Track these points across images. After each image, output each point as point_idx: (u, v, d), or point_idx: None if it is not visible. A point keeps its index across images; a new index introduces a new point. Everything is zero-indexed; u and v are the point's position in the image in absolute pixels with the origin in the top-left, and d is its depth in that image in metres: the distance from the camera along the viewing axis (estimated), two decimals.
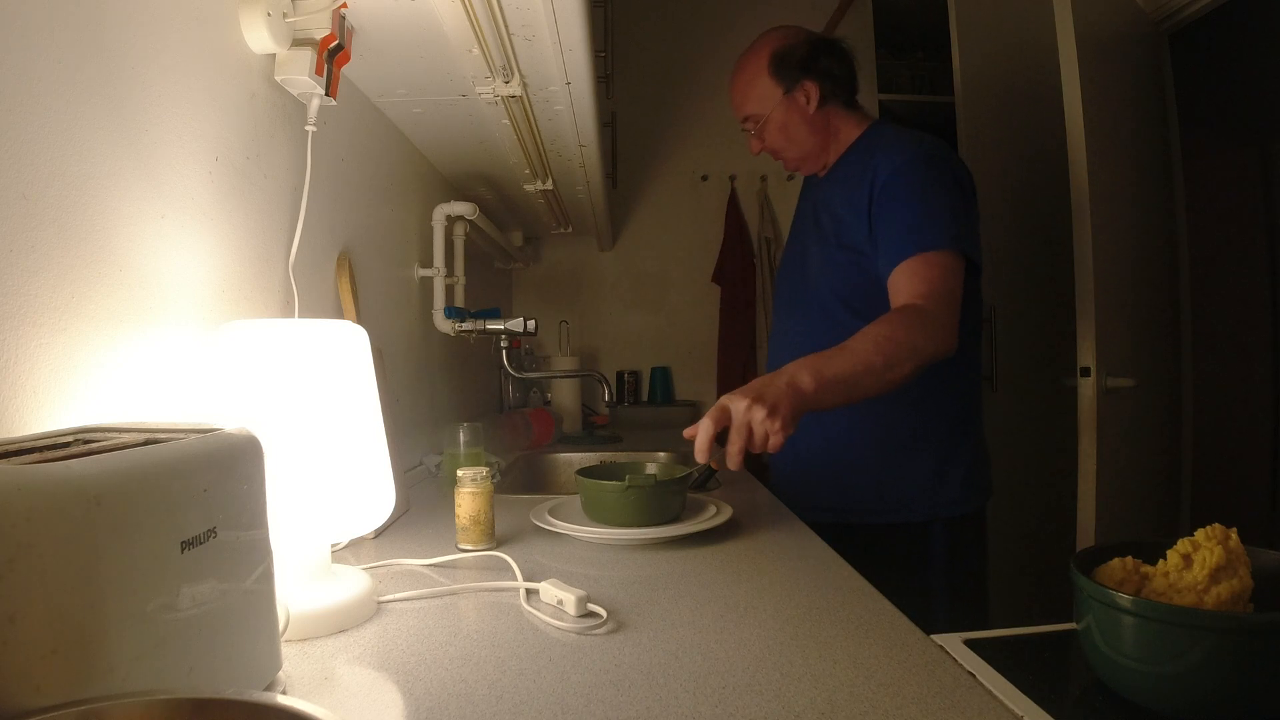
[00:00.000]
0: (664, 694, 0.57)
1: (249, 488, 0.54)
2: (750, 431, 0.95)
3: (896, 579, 0.87)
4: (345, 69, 1.15)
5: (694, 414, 2.88)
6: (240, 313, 0.90)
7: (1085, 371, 1.67)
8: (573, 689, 0.58)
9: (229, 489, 0.51)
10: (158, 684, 0.43)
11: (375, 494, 0.77)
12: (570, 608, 0.74)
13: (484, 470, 1.01)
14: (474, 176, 1.91)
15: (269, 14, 0.90)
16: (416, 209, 1.68)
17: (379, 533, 1.07)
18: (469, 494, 0.99)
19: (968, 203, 1.26)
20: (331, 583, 0.75)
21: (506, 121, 1.47)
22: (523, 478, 1.86)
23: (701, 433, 0.97)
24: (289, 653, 0.65)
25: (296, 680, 0.61)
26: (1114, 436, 1.70)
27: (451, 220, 1.76)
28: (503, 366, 2.11)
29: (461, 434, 1.43)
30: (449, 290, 1.77)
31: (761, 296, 2.91)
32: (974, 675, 0.60)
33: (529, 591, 0.81)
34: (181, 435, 0.51)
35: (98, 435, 0.51)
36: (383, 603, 0.79)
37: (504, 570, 0.89)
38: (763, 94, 1.37)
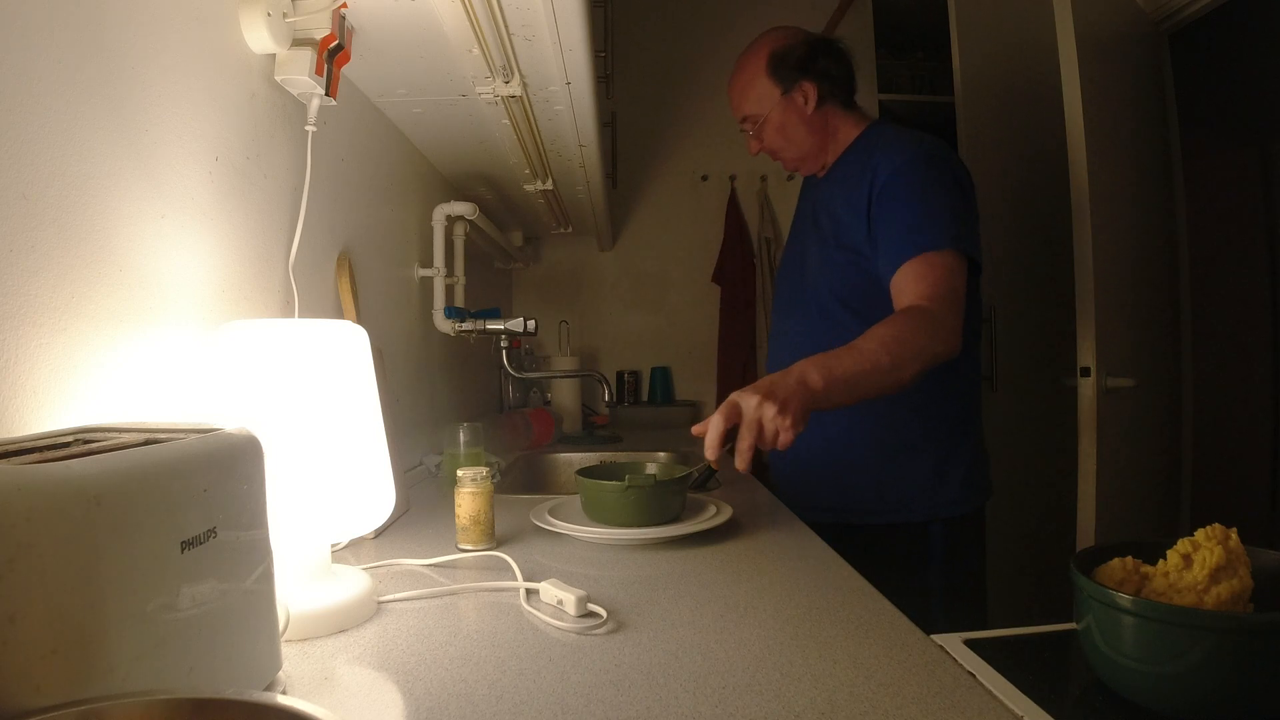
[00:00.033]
0: (664, 694, 0.57)
1: (249, 488, 0.54)
2: (761, 429, 0.95)
3: (896, 579, 0.87)
4: (345, 69, 1.15)
5: (694, 414, 2.88)
6: (240, 313, 0.90)
7: (1085, 371, 1.67)
8: (573, 689, 0.58)
9: (229, 489, 0.51)
10: (158, 684, 0.43)
11: (375, 494, 0.77)
12: (570, 608, 0.74)
13: (484, 470, 1.01)
14: (474, 176, 1.91)
15: (269, 14, 0.90)
16: (416, 209, 1.68)
17: (379, 533, 1.07)
18: (469, 494, 0.99)
19: (968, 202, 1.26)
20: (331, 583, 0.75)
21: (506, 121, 1.47)
22: (523, 478, 1.86)
23: (712, 429, 0.96)
24: (289, 653, 0.65)
25: (296, 680, 0.61)
26: (1114, 436, 1.70)
27: (451, 220, 1.76)
28: (503, 366, 2.11)
29: (461, 434, 1.43)
30: (449, 290, 1.77)
31: (761, 296, 2.91)
32: (974, 675, 0.60)
33: (529, 591, 0.81)
34: (181, 435, 0.51)
35: (98, 435, 0.51)
36: (383, 603, 0.79)
37: (504, 570, 0.89)
38: (761, 94, 1.37)
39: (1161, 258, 2.01)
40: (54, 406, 0.60)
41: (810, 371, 1.01)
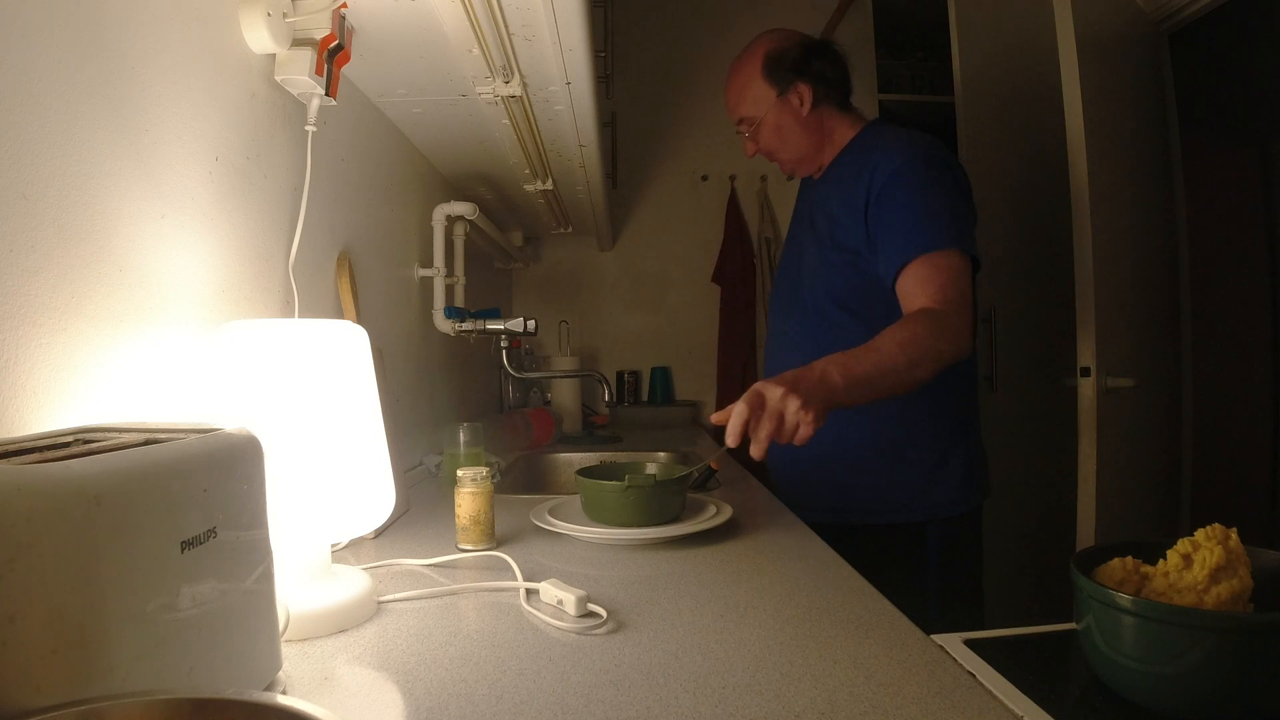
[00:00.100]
0: (664, 694, 0.57)
1: (249, 488, 0.54)
2: (782, 420, 0.96)
3: (896, 579, 0.87)
4: (345, 69, 1.15)
5: (694, 414, 2.88)
6: (240, 313, 0.90)
7: (1085, 371, 1.67)
8: (573, 689, 0.58)
9: (229, 489, 0.51)
10: (158, 684, 0.43)
11: (375, 494, 0.77)
12: (570, 608, 0.74)
13: (484, 470, 1.01)
14: (474, 176, 1.91)
15: (269, 14, 0.90)
16: (416, 209, 1.68)
17: (379, 533, 1.07)
18: (469, 494, 0.99)
19: (967, 201, 1.26)
20: (331, 583, 0.75)
21: (506, 121, 1.47)
22: (523, 478, 1.86)
23: (735, 417, 0.96)
24: (289, 653, 0.65)
25: (296, 680, 0.61)
26: (1114, 436, 1.70)
27: (451, 220, 1.76)
28: (503, 366, 2.11)
29: (461, 434, 1.43)
30: (449, 290, 1.77)
31: (761, 297, 2.91)
32: (974, 675, 0.60)
33: (529, 591, 0.81)
34: (181, 435, 0.51)
35: (98, 435, 0.51)
36: (383, 603, 0.79)
37: (504, 570, 0.89)
38: (757, 96, 1.38)
39: (1161, 258, 2.01)
40: (54, 406, 0.60)
41: (831, 370, 1.02)
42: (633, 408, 2.87)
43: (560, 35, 1.11)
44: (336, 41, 1.00)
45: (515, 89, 1.29)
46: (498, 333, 1.79)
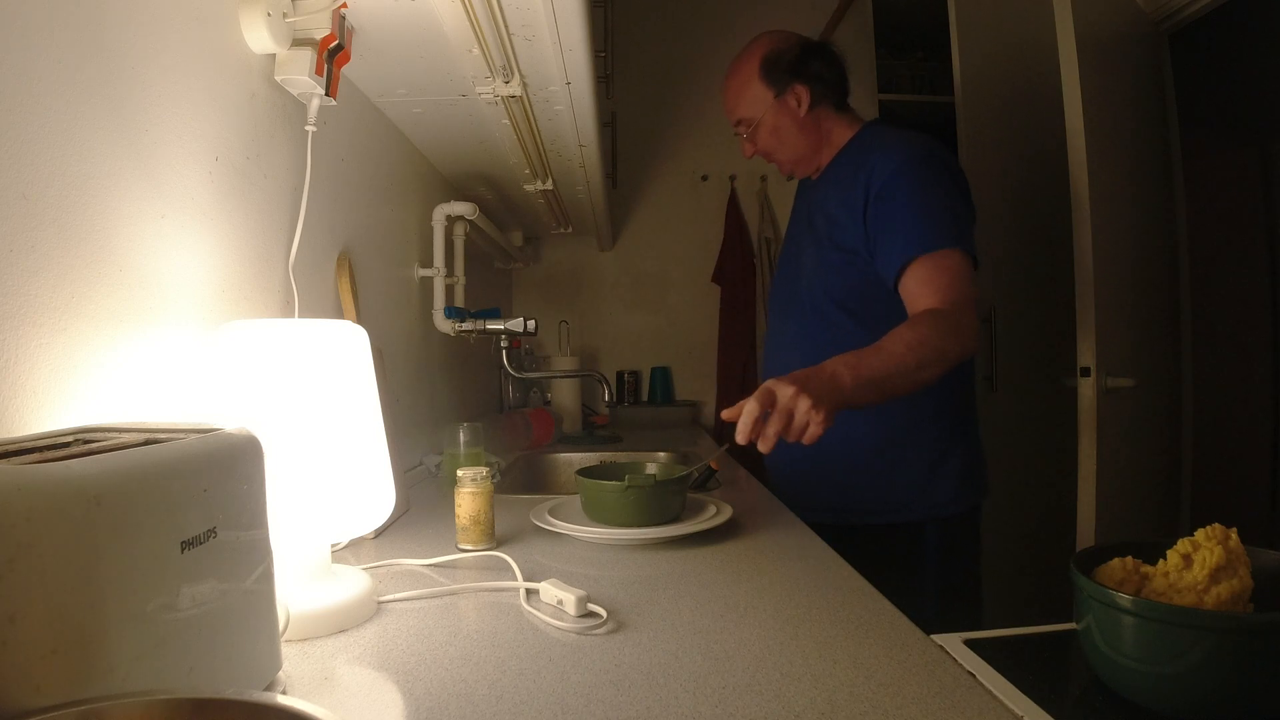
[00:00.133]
0: (664, 694, 0.57)
1: (249, 488, 0.54)
2: (792, 419, 0.96)
3: (896, 579, 0.87)
4: (345, 69, 1.15)
5: (694, 414, 2.89)
6: (240, 313, 0.90)
7: (1085, 371, 1.67)
8: (573, 689, 0.58)
9: (229, 489, 0.51)
10: (158, 684, 0.43)
11: (375, 494, 0.77)
12: (570, 608, 0.74)
13: (484, 470, 1.01)
14: (474, 176, 1.91)
15: (269, 14, 0.90)
16: (416, 209, 1.68)
17: (379, 533, 1.07)
18: (469, 494, 0.99)
19: (966, 201, 1.26)
20: (331, 583, 0.75)
21: (506, 121, 1.47)
22: (523, 478, 1.86)
23: (746, 413, 0.96)
24: (289, 653, 0.65)
25: (296, 680, 0.61)
26: (1114, 436, 1.70)
27: (451, 220, 1.76)
28: (503, 366, 2.11)
29: (461, 434, 1.43)
30: (449, 290, 1.77)
31: (761, 297, 2.91)
32: (974, 675, 0.60)
33: (529, 591, 0.81)
34: (181, 435, 0.51)
35: (98, 435, 0.51)
36: (383, 603, 0.79)
37: (504, 570, 0.89)
38: (754, 98, 1.38)
39: (1161, 258, 2.01)
40: (54, 406, 0.60)
41: (841, 370, 1.02)
42: (633, 408, 2.87)
43: (560, 35, 1.11)
44: (336, 41, 1.00)
45: (515, 89, 1.29)
46: (498, 333, 1.79)
